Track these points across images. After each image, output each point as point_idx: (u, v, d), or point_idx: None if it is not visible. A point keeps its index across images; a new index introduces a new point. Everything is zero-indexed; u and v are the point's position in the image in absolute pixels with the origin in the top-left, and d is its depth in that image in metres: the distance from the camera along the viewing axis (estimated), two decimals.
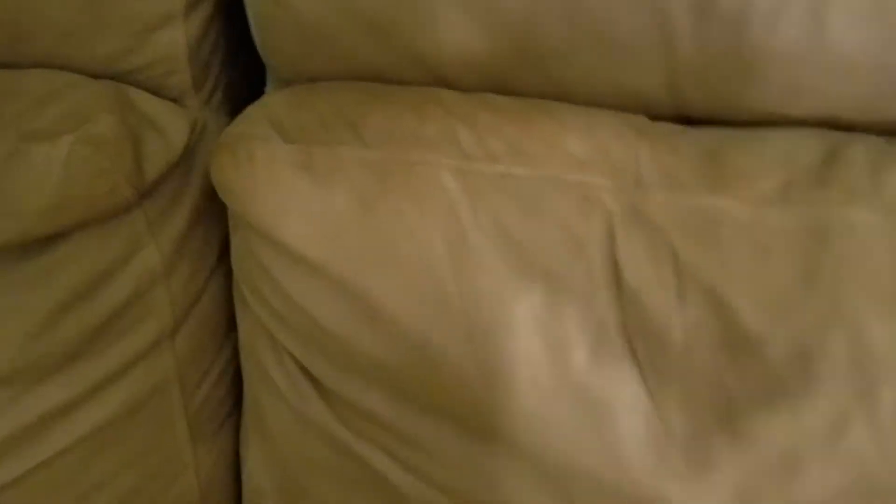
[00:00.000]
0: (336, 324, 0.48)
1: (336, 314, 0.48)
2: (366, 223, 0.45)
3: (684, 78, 0.48)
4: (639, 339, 0.45)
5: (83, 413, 0.55)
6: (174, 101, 0.55)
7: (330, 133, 0.47)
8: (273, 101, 0.50)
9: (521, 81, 0.49)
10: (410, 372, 0.48)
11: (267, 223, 0.47)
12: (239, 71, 0.58)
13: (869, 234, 0.43)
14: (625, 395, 0.46)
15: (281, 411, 0.56)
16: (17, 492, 0.56)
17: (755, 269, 0.44)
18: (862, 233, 0.43)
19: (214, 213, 0.57)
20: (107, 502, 0.59)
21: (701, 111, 0.50)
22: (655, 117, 0.50)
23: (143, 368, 0.56)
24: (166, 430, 0.60)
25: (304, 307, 0.49)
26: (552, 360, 0.46)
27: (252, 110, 0.50)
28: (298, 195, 0.46)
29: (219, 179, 0.49)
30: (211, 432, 0.62)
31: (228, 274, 0.59)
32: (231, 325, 0.61)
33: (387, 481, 0.53)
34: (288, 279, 0.48)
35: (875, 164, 0.45)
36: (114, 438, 0.57)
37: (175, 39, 0.53)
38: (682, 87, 0.49)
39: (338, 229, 0.46)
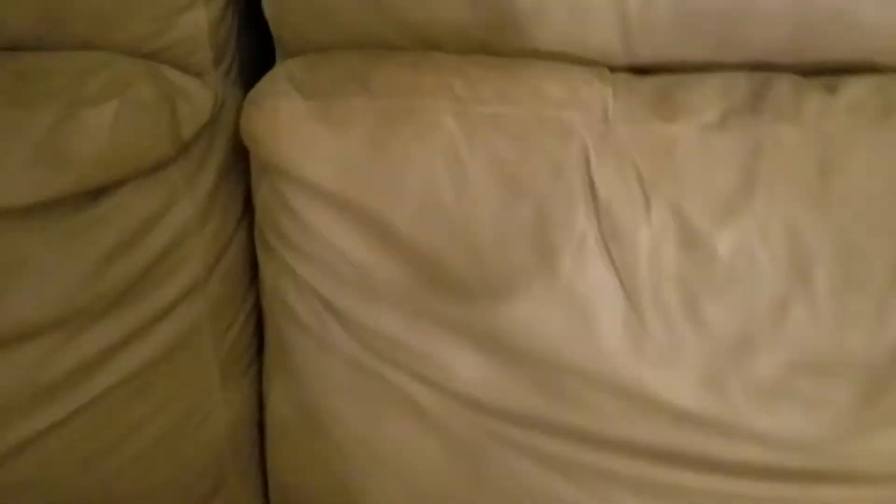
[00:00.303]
0: (355, 249, 0.54)
1: (355, 241, 0.54)
2: (377, 159, 0.52)
3: (636, 35, 0.56)
4: (614, 245, 0.52)
5: (128, 354, 0.60)
6: (196, 76, 0.61)
7: (342, 88, 0.54)
8: (291, 66, 0.56)
9: (501, 43, 0.56)
10: (423, 289, 0.54)
11: (291, 166, 0.53)
12: (250, 48, 0.64)
13: (795, 147, 0.51)
14: (604, 294, 0.53)
15: (304, 343, 0.62)
16: (70, 428, 0.60)
17: (704, 181, 0.51)
18: (789, 146, 0.51)
19: (237, 174, 0.63)
20: (148, 438, 0.64)
21: (649, 63, 0.57)
22: (613, 69, 0.57)
23: (179, 313, 0.61)
24: (200, 372, 0.65)
25: (326, 238, 0.55)
26: (543, 268, 0.52)
27: (273, 73, 0.56)
28: (318, 140, 0.53)
29: (248, 131, 0.55)
30: (238, 374, 0.67)
31: (250, 229, 0.65)
32: (253, 276, 0.66)
33: (405, 394, 0.59)
34: (311, 214, 0.54)
35: (795, 94, 0.53)
36: (154, 378, 0.62)
37: (197, 21, 0.58)
38: (633, 42, 0.56)
39: (354, 166, 0.52)
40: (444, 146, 0.52)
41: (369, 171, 0.52)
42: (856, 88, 0.52)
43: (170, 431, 0.65)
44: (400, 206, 0.52)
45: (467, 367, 0.57)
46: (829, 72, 0.54)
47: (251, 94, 0.55)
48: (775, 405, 0.53)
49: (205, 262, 0.61)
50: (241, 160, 0.63)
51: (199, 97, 0.58)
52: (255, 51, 0.65)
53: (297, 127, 0.53)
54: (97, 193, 0.55)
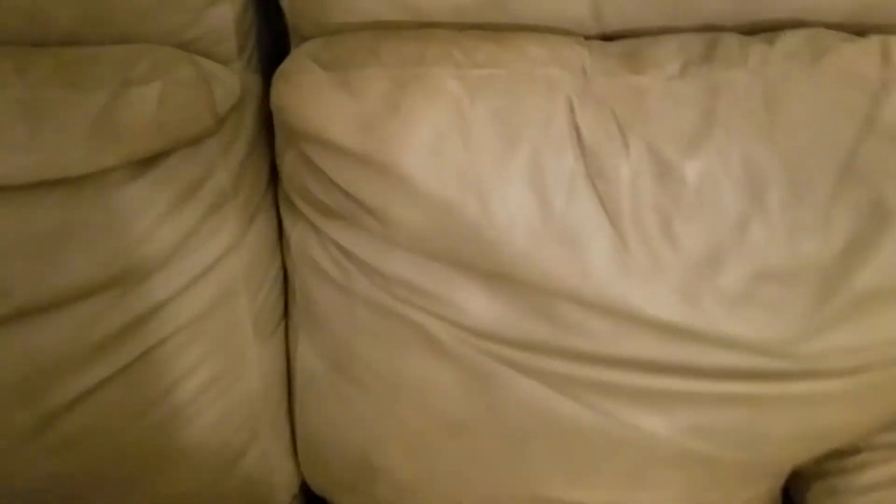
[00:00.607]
0: (374, 200, 0.60)
1: (374, 192, 0.60)
2: (392, 118, 0.58)
3: (605, 8, 0.64)
4: (599, 181, 0.59)
5: (176, 308, 0.65)
6: (223, 64, 0.67)
7: (356, 61, 0.60)
8: (310, 46, 0.63)
9: (491, 19, 0.63)
10: (436, 233, 0.61)
11: (317, 129, 0.60)
12: (264, 40, 0.71)
13: (744, 89, 0.58)
14: (592, 224, 0.59)
15: (329, 294, 0.68)
16: (123, 380, 0.66)
17: (672, 121, 0.59)
18: (739, 89, 0.59)
19: (262, 150, 0.69)
20: (192, 390, 0.69)
21: (617, 31, 0.64)
22: (587, 38, 0.65)
23: (217, 273, 0.67)
24: (236, 329, 0.70)
25: (348, 192, 0.61)
26: (540, 206, 0.59)
27: (296, 53, 0.63)
28: (339, 104, 0.59)
29: (278, 102, 0.61)
30: (269, 332, 0.73)
31: (275, 199, 0.71)
32: (279, 242, 0.72)
33: (423, 332, 0.64)
34: (334, 171, 0.61)
35: (741, 47, 0.61)
36: (196, 335, 0.68)
37: (225, 14, 0.65)
38: (603, 14, 0.64)
39: (371, 125, 0.59)
40: (448, 103, 0.58)
41: (385, 128, 0.58)
42: (790, 39, 0.60)
43: (210, 385, 0.70)
44: (413, 157, 0.58)
45: (477, 303, 0.64)
46: (766, 30, 0.62)
47: (279, 70, 0.62)
48: (743, 312, 0.60)
49: (239, 226, 0.67)
50: (264, 139, 0.70)
51: (228, 80, 0.65)
52: (267, 42, 0.72)
53: (320, 94, 0.59)
54: (147, 163, 0.61)
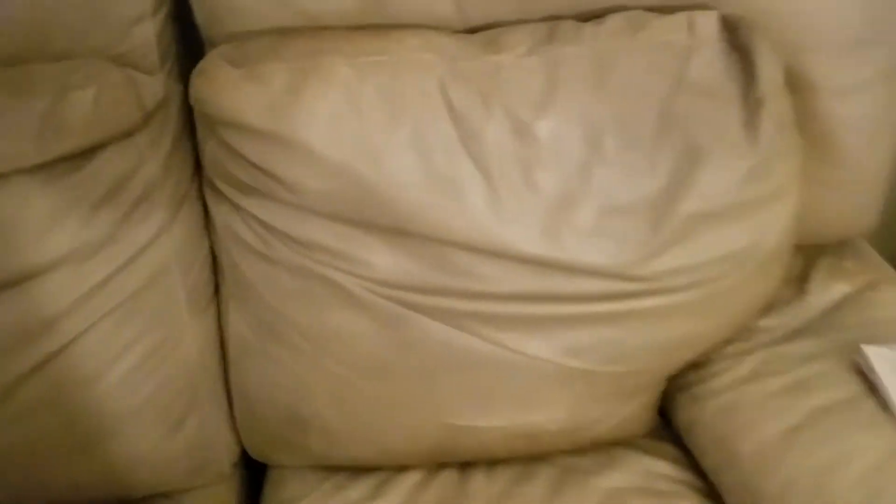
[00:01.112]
0: (285, 171, 0.69)
1: (285, 166, 0.69)
2: (295, 100, 0.68)
3: (467, 5, 0.75)
4: (471, 142, 0.69)
5: (117, 285, 0.72)
6: (148, 74, 0.75)
7: (261, 58, 0.70)
8: (221, 49, 0.72)
9: (373, 20, 0.74)
10: (341, 198, 0.70)
11: (231, 115, 0.69)
12: (186, 50, 0.80)
13: (580, 59, 0.71)
14: (468, 179, 0.70)
15: (253, 264, 0.75)
16: (73, 351, 0.72)
17: (524, 89, 0.70)
18: (576, 60, 0.71)
19: (185, 146, 0.78)
20: (133, 359, 0.74)
21: (478, 24, 0.76)
22: (453, 32, 0.76)
23: (151, 254, 0.74)
24: (171, 304, 0.77)
25: (262, 167, 0.70)
26: (424, 166, 0.69)
27: (210, 55, 0.72)
28: (249, 93, 0.68)
29: (196, 96, 0.70)
30: (202, 307, 0.80)
31: (200, 188, 0.80)
32: (206, 225, 0.80)
33: (340, 288, 0.72)
34: (249, 150, 0.69)
35: (576, 29, 0.73)
36: (135, 309, 0.74)
37: (147, 31, 0.73)
38: (466, 11, 0.75)
39: (278, 107, 0.68)
40: (341, 85, 0.69)
41: (288, 109, 0.68)
42: (614, 20, 0.72)
43: (150, 355, 0.76)
44: (314, 131, 0.68)
45: (382, 257, 0.72)
46: (597, 16, 0.75)
47: (196, 68, 0.71)
48: (595, 243, 0.71)
49: (168, 212, 0.75)
50: (188, 136, 0.78)
51: (153, 84, 0.74)
52: (186, 53, 0.81)
53: (232, 86, 0.69)
54: (86, 155, 0.69)
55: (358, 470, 0.85)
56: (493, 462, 0.85)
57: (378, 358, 0.76)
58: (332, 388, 0.79)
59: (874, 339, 0.75)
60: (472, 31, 0.76)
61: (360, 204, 0.71)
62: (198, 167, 0.79)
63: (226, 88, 0.69)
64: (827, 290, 0.83)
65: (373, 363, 0.77)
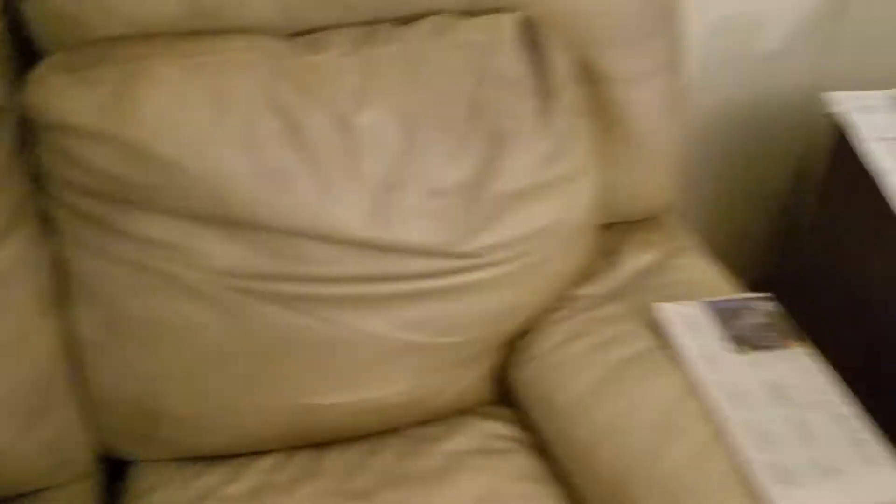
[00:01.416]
0: (121, 170, 0.72)
1: (117, 164, 0.72)
2: (123, 101, 0.71)
3: (292, 12, 0.80)
4: (294, 135, 0.74)
5: None
6: None
7: (93, 63, 0.72)
8: (54, 58, 0.74)
9: (202, 27, 0.77)
10: (175, 193, 0.73)
11: (63, 119, 0.71)
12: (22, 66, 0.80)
13: (394, 58, 0.76)
14: (295, 167, 0.74)
15: (97, 263, 0.76)
16: None
17: (343, 85, 0.75)
18: (391, 58, 0.76)
19: (23, 156, 0.78)
20: None
21: (302, 29, 0.80)
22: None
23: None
24: (19, 304, 0.77)
25: (97, 168, 0.72)
26: (252, 158, 0.73)
27: (43, 63, 0.73)
28: (80, 96, 0.71)
29: (31, 101, 0.72)
30: (50, 310, 0.80)
31: (40, 194, 0.80)
32: (47, 231, 0.81)
33: (181, 282, 0.75)
34: (83, 153, 0.71)
35: (391, 31, 0.79)
36: None
37: None
38: (291, 17, 0.80)
39: (107, 109, 0.70)
40: (169, 84, 0.72)
41: (119, 109, 0.70)
42: (424, 23, 0.79)
43: (5, 348, 0.76)
44: (145, 129, 0.71)
45: (219, 249, 0.75)
46: (411, 20, 0.81)
47: (28, 77, 0.72)
48: (419, 224, 0.76)
49: (11, 216, 0.76)
50: (24, 146, 0.79)
51: None
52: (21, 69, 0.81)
53: (63, 91, 0.71)
54: None
55: (216, 458, 0.87)
56: (348, 440, 0.89)
57: (222, 346, 0.79)
58: (179, 379, 0.81)
59: (672, 299, 0.84)
60: (298, 34, 0.80)
61: (193, 199, 0.74)
62: (37, 173, 0.80)
63: (57, 93, 0.71)
64: (635, 260, 0.91)
65: (217, 351, 0.79)
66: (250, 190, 0.74)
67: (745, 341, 0.77)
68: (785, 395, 0.72)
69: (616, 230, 0.95)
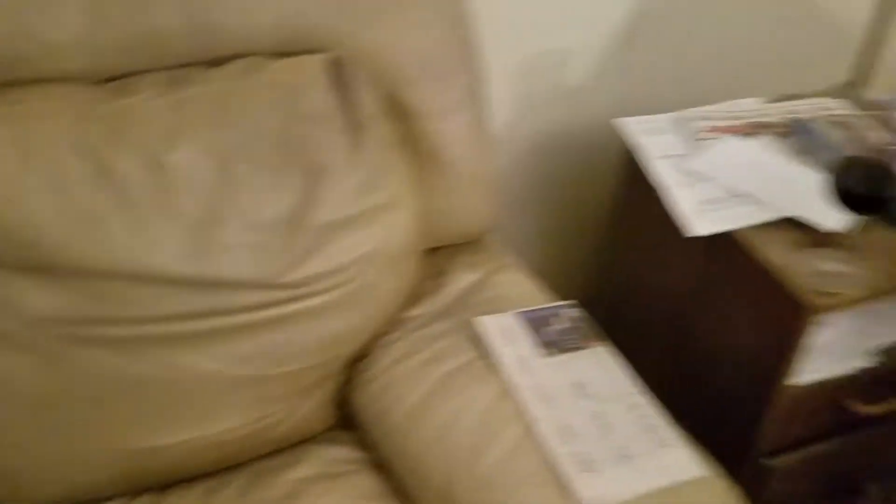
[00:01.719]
0: None
1: None
2: None
3: (100, 60, 0.80)
4: (108, 177, 0.73)
5: None
6: None
7: None
8: None
9: (16, 77, 0.76)
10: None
11: None
12: None
13: (204, 98, 0.77)
14: (107, 209, 0.73)
15: None
16: None
17: (154, 127, 0.75)
18: (200, 99, 0.77)
19: None
20: None
21: (113, 75, 0.80)
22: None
23: None
24: None
25: None
26: (61, 203, 0.72)
27: None
28: None
29: None
30: None
31: None
32: None
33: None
34: None
35: (200, 72, 0.80)
36: None
37: None
38: (99, 65, 0.80)
39: None
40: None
41: None
42: (233, 65, 0.81)
43: None
44: None
45: (34, 296, 0.73)
46: (223, 62, 0.82)
47: None
48: (241, 259, 0.77)
49: None
50: None
51: None
52: None
53: None
54: None
55: None
56: (190, 479, 0.88)
57: (42, 395, 0.76)
58: (3, 432, 0.78)
59: (493, 312, 0.89)
60: (111, 80, 0.80)
61: (4, 248, 0.71)
62: None
63: None
64: (460, 280, 0.96)
65: (34, 400, 0.76)
66: (61, 234, 0.72)
67: (554, 345, 0.83)
68: (586, 391, 0.78)
69: (442, 254, 0.99)
